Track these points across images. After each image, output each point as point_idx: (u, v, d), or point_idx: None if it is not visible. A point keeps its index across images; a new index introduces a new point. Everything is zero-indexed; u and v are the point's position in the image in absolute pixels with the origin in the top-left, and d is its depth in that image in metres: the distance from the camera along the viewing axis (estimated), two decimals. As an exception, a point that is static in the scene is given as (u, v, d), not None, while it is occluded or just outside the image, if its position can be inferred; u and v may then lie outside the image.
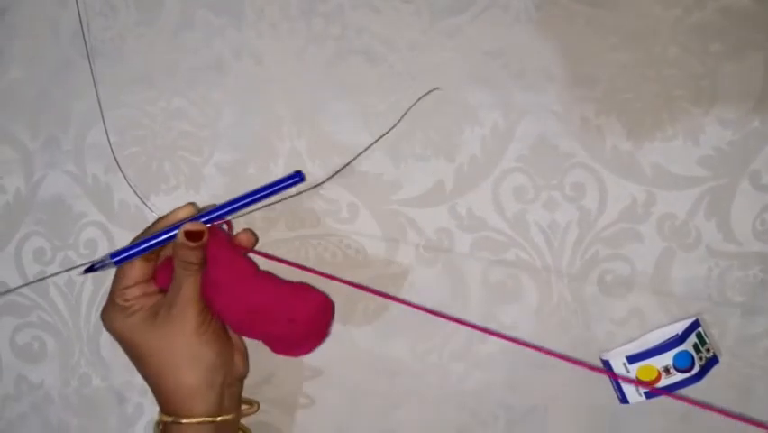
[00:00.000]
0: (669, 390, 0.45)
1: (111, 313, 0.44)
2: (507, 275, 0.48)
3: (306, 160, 0.49)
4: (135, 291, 0.44)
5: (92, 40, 0.50)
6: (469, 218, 0.48)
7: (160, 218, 0.45)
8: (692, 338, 0.45)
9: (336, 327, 0.48)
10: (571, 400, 0.48)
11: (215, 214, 0.45)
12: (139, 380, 0.49)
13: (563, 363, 0.47)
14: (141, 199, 0.49)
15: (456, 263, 0.48)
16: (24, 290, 0.50)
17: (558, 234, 0.48)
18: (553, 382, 0.48)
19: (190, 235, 0.43)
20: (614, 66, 0.48)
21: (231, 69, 0.49)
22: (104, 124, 0.49)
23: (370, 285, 0.48)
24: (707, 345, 0.46)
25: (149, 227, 0.45)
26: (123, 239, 0.50)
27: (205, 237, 0.43)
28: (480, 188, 0.48)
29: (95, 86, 0.49)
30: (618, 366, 0.45)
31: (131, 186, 0.49)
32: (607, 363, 0.46)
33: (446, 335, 0.49)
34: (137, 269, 0.44)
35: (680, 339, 0.45)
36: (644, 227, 0.47)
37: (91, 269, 0.45)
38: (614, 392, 0.46)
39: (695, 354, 0.45)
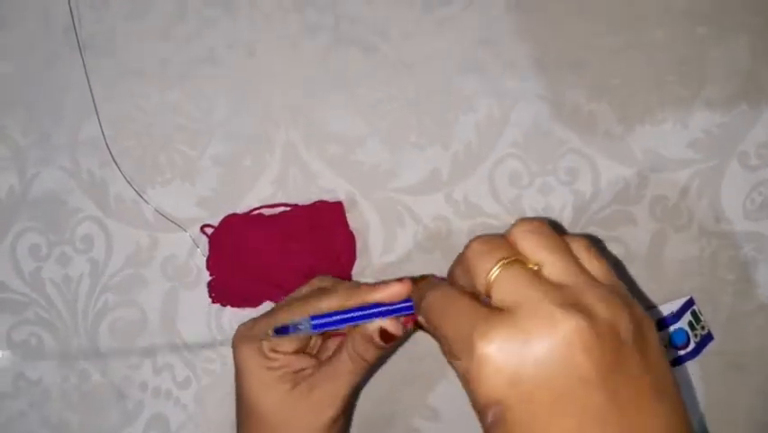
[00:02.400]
0: (665, 367, 0.46)
1: (251, 352, 0.39)
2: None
3: (302, 149, 0.49)
4: (289, 345, 0.40)
5: (83, 33, 0.50)
6: (465, 205, 0.49)
7: (366, 286, 0.39)
8: (687, 316, 0.46)
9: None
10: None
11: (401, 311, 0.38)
12: (138, 375, 0.49)
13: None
14: (138, 193, 0.49)
15: (454, 250, 0.49)
16: (21, 287, 0.50)
17: (553, 217, 0.49)
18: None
19: (385, 335, 0.37)
20: (603, 52, 0.49)
21: (224, 61, 0.49)
22: (98, 118, 0.49)
23: (370, 273, 0.49)
24: (701, 323, 0.47)
25: (350, 289, 0.39)
26: (119, 233, 0.49)
27: (399, 338, 0.38)
28: (476, 175, 0.49)
29: (87, 80, 0.49)
30: (616, 346, 0.46)
31: (127, 179, 0.49)
32: (604, 344, 0.47)
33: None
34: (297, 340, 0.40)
35: (675, 317, 0.46)
36: (637, 209, 0.48)
37: (284, 331, 0.38)
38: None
39: (690, 332, 0.46)
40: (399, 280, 0.38)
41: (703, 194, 0.48)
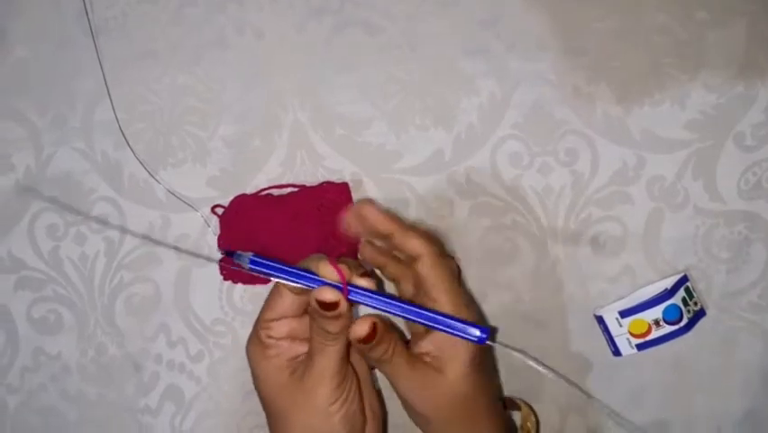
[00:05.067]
0: (659, 341, 0.48)
1: (253, 346, 0.41)
2: (504, 238, 0.50)
3: (309, 131, 0.50)
4: (281, 329, 0.41)
5: (95, 18, 0.51)
6: (468, 185, 0.50)
7: (317, 255, 0.40)
8: (681, 293, 0.48)
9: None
10: (566, 353, 0.51)
11: (369, 297, 0.39)
12: (155, 348, 0.51)
13: (559, 320, 0.50)
14: (151, 173, 0.51)
15: (456, 228, 0.50)
16: (39, 265, 0.52)
17: (552, 197, 0.50)
18: (548, 337, 0.50)
19: (324, 305, 0.37)
20: (603, 35, 0.50)
21: (233, 45, 0.51)
22: (110, 100, 0.51)
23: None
24: (694, 299, 0.48)
25: (303, 260, 0.40)
26: (133, 213, 0.51)
27: (343, 308, 0.38)
28: (478, 156, 0.50)
29: (100, 64, 0.51)
30: (612, 321, 0.48)
31: (139, 160, 0.51)
32: (600, 319, 0.49)
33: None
34: (285, 300, 0.40)
35: (669, 294, 0.47)
36: (635, 189, 0.50)
37: (229, 254, 0.40)
38: (607, 346, 0.49)
39: (683, 308, 0.47)
40: (336, 264, 0.39)
41: (699, 174, 0.50)
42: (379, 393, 0.48)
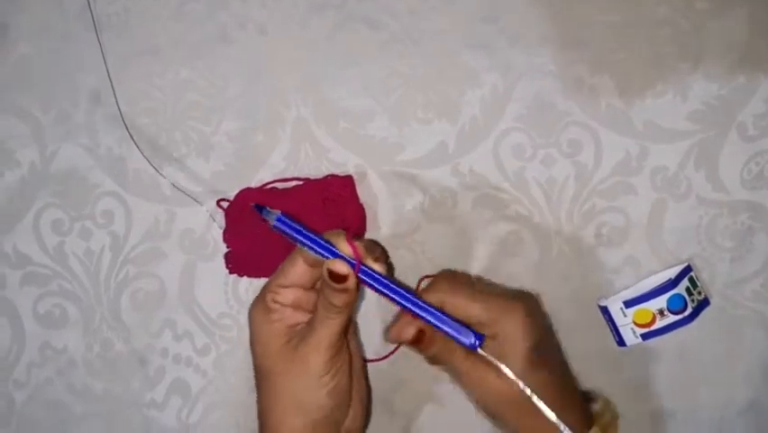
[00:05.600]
0: (663, 331, 0.48)
1: (257, 308, 0.42)
2: (508, 231, 0.51)
3: (312, 125, 0.51)
4: (288, 296, 0.42)
5: (98, 13, 0.51)
6: (471, 177, 0.50)
7: (343, 234, 0.41)
8: (684, 282, 0.48)
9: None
10: (571, 344, 0.51)
11: (380, 282, 0.41)
12: (160, 342, 0.52)
13: (564, 309, 0.50)
14: (155, 168, 0.51)
15: (460, 221, 0.51)
16: (45, 260, 0.52)
17: (556, 189, 0.50)
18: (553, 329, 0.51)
19: (334, 276, 0.39)
20: (604, 27, 0.50)
21: (236, 40, 0.51)
22: (114, 95, 0.51)
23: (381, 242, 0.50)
24: (698, 289, 0.48)
25: (328, 234, 0.42)
26: (138, 208, 0.51)
27: (351, 284, 0.40)
28: (481, 148, 0.50)
29: (104, 59, 0.51)
30: (616, 311, 0.48)
31: (144, 155, 0.51)
32: (605, 309, 0.49)
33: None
34: (298, 269, 0.41)
35: (673, 283, 0.47)
36: (638, 180, 0.50)
37: (259, 209, 0.42)
38: (611, 337, 0.49)
39: (687, 297, 0.47)
40: (353, 242, 0.41)
41: (702, 164, 0.50)
42: (369, 390, 0.48)
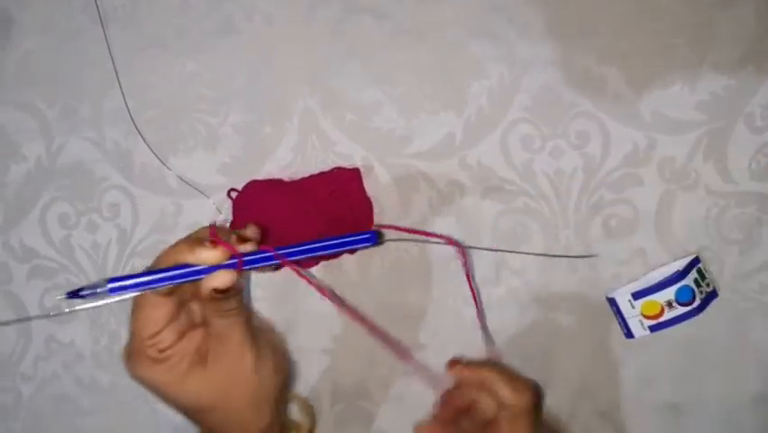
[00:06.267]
0: (671, 322, 0.48)
1: (145, 368, 0.36)
2: (516, 222, 0.50)
3: (319, 117, 0.50)
4: (169, 336, 0.36)
5: (104, 7, 0.51)
6: (479, 169, 0.50)
7: (180, 242, 0.36)
8: (693, 274, 0.48)
9: (353, 271, 0.50)
10: (579, 337, 0.51)
11: (251, 258, 0.37)
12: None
13: (571, 301, 0.50)
14: (162, 161, 0.51)
15: (468, 213, 0.50)
16: (51, 254, 0.52)
17: (564, 180, 0.50)
18: (562, 321, 0.51)
19: (220, 290, 0.35)
20: (613, 17, 0.49)
21: (242, 31, 0.51)
22: (120, 89, 0.51)
23: (387, 236, 0.50)
24: (707, 280, 0.48)
25: (164, 254, 0.36)
26: (144, 201, 0.51)
27: (239, 283, 0.36)
28: (489, 140, 0.50)
29: (110, 52, 0.51)
30: (624, 303, 0.48)
31: (150, 148, 0.51)
32: (613, 301, 0.49)
33: (460, 282, 0.51)
34: (161, 309, 0.36)
35: (681, 275, 0.47)
36: (646, 171, 0.50)
37: (77, 294, 0.34)
38: (620, 329, 0.49)
39: (696, 289, 0.47)
40: (214, 242, 0.36)
41: (710, 155, 0.49)
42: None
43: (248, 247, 0.37)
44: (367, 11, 0.50)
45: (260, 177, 0.50)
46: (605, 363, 0.51)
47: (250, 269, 0.37)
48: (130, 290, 0.34)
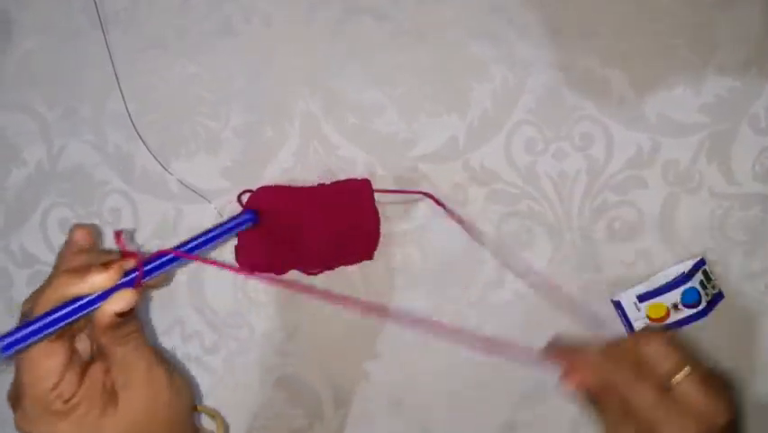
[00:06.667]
0: (677, 325, 0.47)
1: (51, 426, 0.33)
2: (520, 225, 0.50)
3: (321, 120, 0.50)
4: (71, 382, 0.33)
5: (103, 8, 0.51)
6: (482, 172, 0.50)
7: (61, 274, 0.33)
8: (698, 276, 0.47)
9: (357, 277, 0.50)
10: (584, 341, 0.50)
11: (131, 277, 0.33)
12: (168, 342, 0.51)
13: (576, 306, 0.50)
14: (162, 165, 0.50)
15: (471, 216, 0.50)
16: (51, 260, 0.51)
17: (568, 183, 0.50)
18: (566, 324, 0.50)
19: (121, 314, 0.32)
20: (616, 19, 0.49)
21: (241, 33, 0.50)
22: (120, 92, 0.50)
23: (390, 241, 0.50)
24: (712, 282, 0.48)
25: (43, 293, 0.33)
26: (145, 205, 0.51)
27: (138, 301, 0.33)
28: (492, 142, 0.50)
29: (110, 55, 0.50)
30: (629, 306, 0.48)
31: (151, 152, 0.50)
32: (618, 304, 0.48)
33: (464, 285, 0.51)
34: (56, 356, 0.32)
35: (687, 277, 0.47)
36: (650, 173, 0.50)
37: None
38: (625, 332, 0.49)
39: (702, 291, 0.47)
40: (106, 265, 0.33)
41: (713, 157, 0.49)
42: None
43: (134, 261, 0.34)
44: (367, 12, 0.50)
45: (262, 181, 0.50)
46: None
47: (151, 279, 0.34)
48: (23, 343, 0.31)
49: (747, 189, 0.49)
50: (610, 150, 0.50)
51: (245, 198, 0.49)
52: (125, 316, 0.33)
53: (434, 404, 0.51)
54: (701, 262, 0.48)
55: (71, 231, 0.37)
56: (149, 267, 0.34)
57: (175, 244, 0.38)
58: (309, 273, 0.50)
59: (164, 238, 0.51)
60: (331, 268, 0.49)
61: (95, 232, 0.38)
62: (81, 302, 0.32)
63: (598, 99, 0.49)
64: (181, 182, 0.50)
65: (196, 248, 0.38)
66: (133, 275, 0.33)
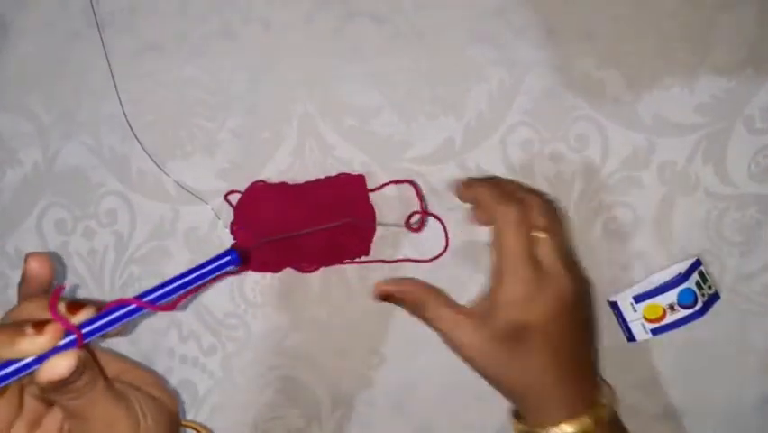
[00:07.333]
0: (673, 325, 0.47)
1: None
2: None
3: (318, 121, 0.50)
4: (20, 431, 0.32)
5: (101, 11, 0.51)
6: (478, 172, 0.50)
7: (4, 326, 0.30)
8: (695, 276, 0.47)
9: (354, 277, 0.50)
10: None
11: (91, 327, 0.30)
12: (166, 342, 0.51)
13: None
14: (159, 167, 0.50)
15: (466, 217, 0.50)
16: (48, 261, 0.51)
17: (564, 184, 0.50)
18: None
19: (62, 380, 0.29)
20: (611, 19, 0.49)
21: (240, 35, 0.50)
22: (117, 94, 0.50)
23: (386, 242, 0.50)
24: (708, 283, 0.48)
25: None
26: (142, 207, 0.51)
27: (86, 359, 0.30)
28: (488, 143, 0.50)
29: (106, 57, 0.50)
30: (626, 306, 0.48)
31: (147, 154, 0.50)
32: (614, 305, 0.48)
33: (461, 283, 0.51)
34: (9, 406, 0.31)
35: (683, 278, 0.47)
36: (646, 174, 0.50)
37: None
38: (621, 332, 0.49)
39: (698, 291, 0.47)
40: (40, 326, 0.29)
41: (709, 158, 0.49)
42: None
43: (82, 315, 0.30)
44: (365, 14, 0.50)
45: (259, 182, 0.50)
46: (607, 366, 0.50)
47: (97, 337, 0.30)
48: None
49: (743, 190, 0.49)
50: (606, 150, 0.50)
51: (233, 198, 0.49)
52: (66, 381, 0.29)
53: (433, 405, 0.51)
54: (697, 263, 0.48)
55: (25, 261, 0.34)
56: (96, 325, 0.30)
57: (141, 291, 0.32)
58: (305, 271, 0.50)
59: (161, 240, 0.51)
60: (327, 264, 0.50)
61: (51, 261, 0.35)
62: (7, 370, 0.29)
63: (594, 100, 0.49)
64: (178, 183, 0.50)
65: (164, 297, 0.32)
66: (71, 338, 0.29)
